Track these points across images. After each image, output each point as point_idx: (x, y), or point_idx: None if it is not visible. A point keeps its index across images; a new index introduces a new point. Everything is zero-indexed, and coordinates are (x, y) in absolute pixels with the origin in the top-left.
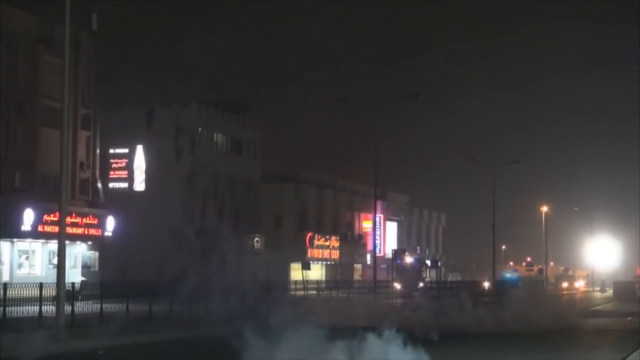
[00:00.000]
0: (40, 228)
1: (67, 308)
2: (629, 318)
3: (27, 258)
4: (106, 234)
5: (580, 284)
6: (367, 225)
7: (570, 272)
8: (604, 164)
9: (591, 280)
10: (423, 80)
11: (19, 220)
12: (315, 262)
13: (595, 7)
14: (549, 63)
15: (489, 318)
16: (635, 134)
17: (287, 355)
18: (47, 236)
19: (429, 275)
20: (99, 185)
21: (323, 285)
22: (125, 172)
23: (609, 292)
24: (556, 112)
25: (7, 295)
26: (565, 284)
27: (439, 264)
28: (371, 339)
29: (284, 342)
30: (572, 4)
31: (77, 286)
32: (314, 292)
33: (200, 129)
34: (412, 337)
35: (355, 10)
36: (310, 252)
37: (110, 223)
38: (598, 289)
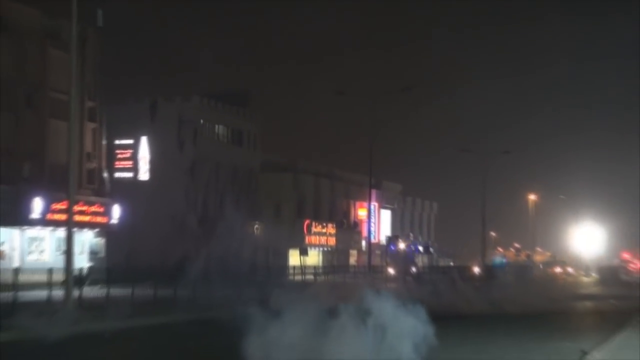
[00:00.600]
0: (49, 216)
1: (75, 292)
2: (612, 301)
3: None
4: (112, 221)
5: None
6: (362, 213)
7: (560, 259)
8: (590, 154)
9: (577, 265)
10: (418, 73)
11: (28, 209)
12: (313, 248)
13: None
14: (542, 56)
15: (480, 300)
16: (620, 124)
17: (292, 332)
18: (56, 224)
19: (422, 260)
20: (105, 175)
21: (320, 270)
22: (130, 163)
23: (594, 276)
24: (546, 103)
25: (18, 280)
26: (558, 269)
27: (431, 249)
28: (376, 307)
29: (287, 320)
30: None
31: (85, 271)
32: (312, 276)
33: (202, 121)
34: None
35: (353, 3)
36: (308, 239)
37: (116, 211)
38: (583, 273)
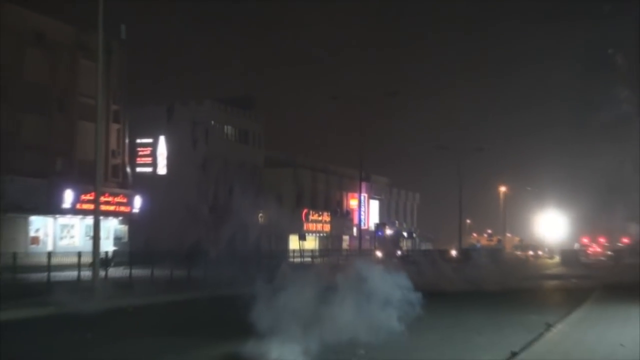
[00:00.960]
0: (78, 206)
1: (101, 273)
2: (573, 280)
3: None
4: (134, 210)
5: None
6: (353, 202)
7: (530, 243)
8: (554, 149)
9: (542, 249)
10: (403, 76)
11: (60, 199)
12: (310, 234)
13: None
14: (514, 62)
15: (458, 279)
16: (581, 121)
17: (297, 303)
18: (84, 212)
19: (406, 244)
20: (128, 169)
21: (317, 254)
22: (150, 159)
23: (557, 258)
24: (516, 103)
25: (51, 262)
26: (531, 252)
27: (414, 235)
28: (368, 275)
29: (291, 292)
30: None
31: (110, 255)
32: (309, 259)
33: (213, 122)
34: None
35: (346, 10)
36: (305, 226)
37: (137, 201)
38: (543, 254)
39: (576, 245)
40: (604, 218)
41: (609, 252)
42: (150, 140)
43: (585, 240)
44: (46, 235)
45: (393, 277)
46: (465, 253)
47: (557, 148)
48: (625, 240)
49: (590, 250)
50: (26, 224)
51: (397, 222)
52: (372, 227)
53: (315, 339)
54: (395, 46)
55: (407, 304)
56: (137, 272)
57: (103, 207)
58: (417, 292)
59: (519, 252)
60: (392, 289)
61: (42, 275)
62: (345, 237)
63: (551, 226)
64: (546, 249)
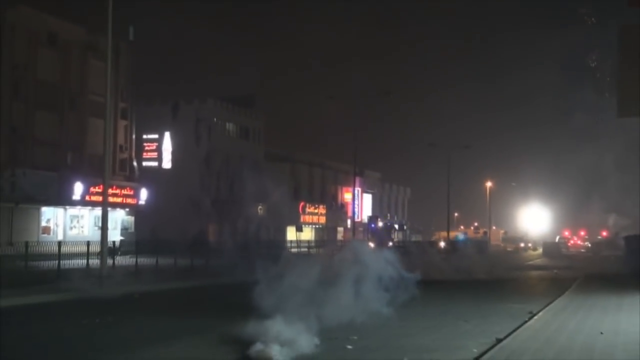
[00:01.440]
0: (87, 198)
1: (109, 261)
2: (555, 271)
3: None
4: (140, 202)
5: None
6: (347, 196)
7: (517, 235)
8: (538, 146)
9: (526, 242)
10: (397, 77)
11: (70, 192)
12: (307, 226)
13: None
14: (501, 65)
15: (447, 268)
16: (564, 119)
17: (297, 287)
18: (93, 204)
19: (397, 236)
20: (135, 163)
21: (313, 244)
22: (156, 154)
23: (539, 250)
24: (502, 102)
25: (61, 250)
26: (522, 245)
27: (405, 227)
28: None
29: (291, 277)
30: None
31: (117, 244)
32: (306, 249)
33: (215, 119)
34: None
35: (341, 11)
36: (302, 218)
37: (144, 194)
38: (531, 247)
39: (558, 238)
40: (584, 212)
41: (589, 245)
42: (156, 136)
43: (566, 233)
44: (57, 225)
45: (384, 253)
46: (452, 244)
47: (541, 145)
48: (604, 233)
49: (571, 242)
50: (38, 215)
51: (389, 214)
52: (365, 219)
53: (314, 320)
54: (390, 47)
55: (400, 280)
56: (143, 260)
57: (111, 199)
58: (408, 273)
59: (504, 244)
60: (384, 265)
61: (52, 263)
62: (340, 229)
63: (534, 219)
64: (530, 244)
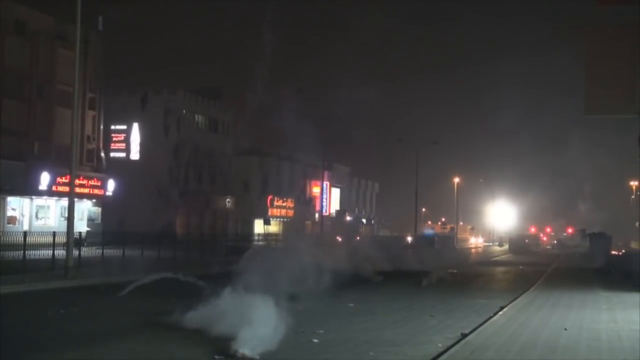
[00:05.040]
0: (54, 188)
1: (75, 252)
2: (521, 267)
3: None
4: (107, 193)
5: (480, 240)
6: (316, 190)
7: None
8: (505, 144)
9: (490, 236)
10: (368, 72)
11: (37, 182)
12: (275, 219)
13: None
14: (469, 61)
15: (414, 262)
16: (529, 118)
17: (267, 279)
18: (60, 194)
19: (365, 230)
20: (102, 154)
21: (280, 237)
22: (124, 145)
23: (505, 246)
24: (470, 99)
25: (27, 241)
26: (496, 243)
27: (373, 222)
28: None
29: (257, 271)
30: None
31: (83, 235)
32: (273, 242)
33: (184, 111)
34: (360, 276)
35: (308, 12)
36: (270, 211)
37: (111, 185)
38: (497, 243)
39: (525, 235)
40: (551, 209)
41: (554, 241)
42: (124, 127)
43: (532, 230)
44: (22, 215)
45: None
46: (419, 239)
47: (508, 143)
48: (570, 230)
49: (543, 239)
50: (3, 204)
51: (356, 209)
52: (333, 213)
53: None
54: (357, 40)
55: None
56: (109, 252)
57: (78, 190)
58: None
59: (471, 240)
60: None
61: (18, 254)
62: (308, 223)
63: (501, 215)
64: (496, 241)
